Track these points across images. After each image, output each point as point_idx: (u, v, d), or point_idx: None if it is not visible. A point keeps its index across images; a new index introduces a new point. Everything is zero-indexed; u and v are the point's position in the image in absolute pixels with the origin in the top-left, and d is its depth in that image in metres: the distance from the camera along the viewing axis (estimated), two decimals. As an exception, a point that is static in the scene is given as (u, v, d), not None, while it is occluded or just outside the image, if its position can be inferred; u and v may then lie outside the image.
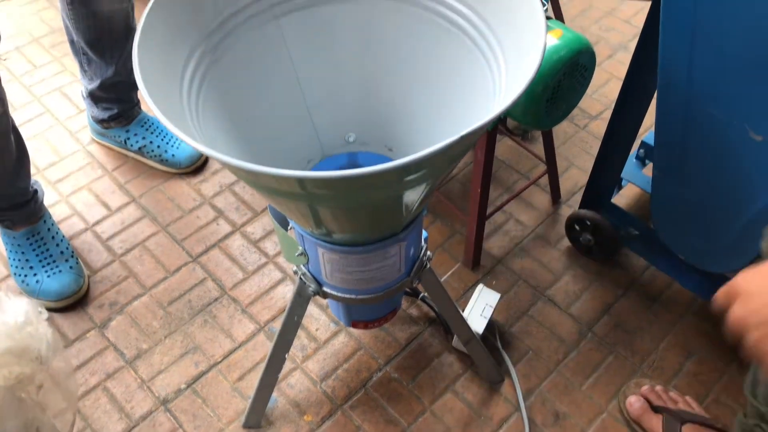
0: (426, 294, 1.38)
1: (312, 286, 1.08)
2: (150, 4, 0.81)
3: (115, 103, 1.59)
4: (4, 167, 1.32)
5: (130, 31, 1.50)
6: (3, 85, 1.24)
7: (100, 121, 1.62)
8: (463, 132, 0.68)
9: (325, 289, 1.08)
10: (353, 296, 1.07)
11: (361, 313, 1.17)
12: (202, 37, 0.88)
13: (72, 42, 1.51)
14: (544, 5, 1.13)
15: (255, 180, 0.74)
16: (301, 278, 1.09)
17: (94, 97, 1.59)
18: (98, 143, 1.69)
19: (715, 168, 1.08)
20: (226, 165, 0.67)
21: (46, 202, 1.57)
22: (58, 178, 1.63)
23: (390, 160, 1.10)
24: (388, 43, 1.00)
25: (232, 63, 0.92)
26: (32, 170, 1.63)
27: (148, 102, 0.71)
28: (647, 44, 1.11)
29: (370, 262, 1.00)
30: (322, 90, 1.04)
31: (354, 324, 1.20)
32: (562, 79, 1.14)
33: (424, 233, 1.12)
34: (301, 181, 0.69)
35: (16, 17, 2.03)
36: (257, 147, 0.99)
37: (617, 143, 1.31)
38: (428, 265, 1.11)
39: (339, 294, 1.07)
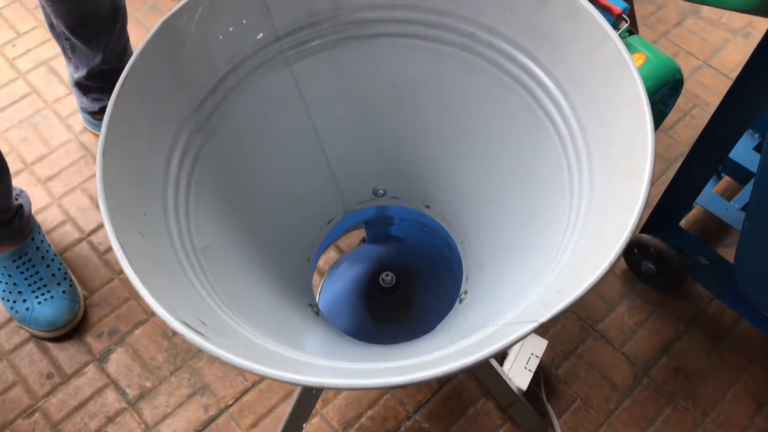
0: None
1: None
2: (118, 86, 0.61)
3: (107, 93, 1.38)
4: None
5: (117, 11, 1.27)
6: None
7: (91, 113, 1.42)
8: (543, 319, 0.49)
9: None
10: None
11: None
12: (191, 111, 0.68)
13: (51, 26, 1.29)
14: (626, 21, 0.90)
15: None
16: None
17: (81, 86, 1.38)
18: (91, 132, 1.50)
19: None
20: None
21: (36, 205, 1.40)
22: (48, 176, 1.45)
23: (427, 218, 0.91)
24: (428, 90, 0.79)
25: (229, 133, 0.73)
26: (19, 165, 1.46)
27: (114, 248, 0.53)
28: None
29: (403, 356, 0.83)
30: (346, 142, 0.84)
31: (381, 384, 1.05)
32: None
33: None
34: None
35: (-5, -30, 1.78)
36: (267, 216, 0.81)
37: (706, 160, 1.09)
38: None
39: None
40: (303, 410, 1.01)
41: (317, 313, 0.82)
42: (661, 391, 1.21)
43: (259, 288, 0.71)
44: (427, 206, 0.90)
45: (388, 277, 0.88)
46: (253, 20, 0.70)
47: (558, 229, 0.65)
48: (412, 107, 0.81)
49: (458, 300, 0.84)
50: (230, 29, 0.69)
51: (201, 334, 0.49)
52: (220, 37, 0.68)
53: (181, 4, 0.64)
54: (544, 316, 0.49)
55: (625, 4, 0.92)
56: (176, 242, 0.62)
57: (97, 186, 0.56)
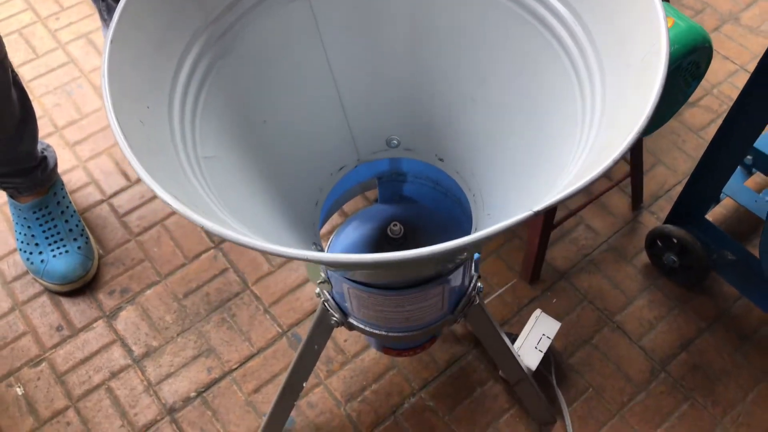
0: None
1: (336, 317, 0.90)
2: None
3: (140, 60, 1.41)
4: (4, 127, 1.15)
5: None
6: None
7: (123, 79, 1.45)
8: (538, 207, 0.47)
9: (351, 320, 0.90)
10: (384, 333, 0.89)
11: (394, 342, 1.00)
12: (205, 23, 0.68)
13: (90, -13, 1.33)
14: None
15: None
16: (324, 304, 0.91)
17: (116, 51, 1.41)
18: (122, 101, 1.53)
19: None
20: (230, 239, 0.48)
21: (62, 166, 1.43)
22: (77, 140, 1.48)
23: (440, 173, 0.90)
24: (447, 34, 0.79)
25: (244, 55, 0.73)
26: (50, 128, 1.49)
27: (115, 133, 0.52)
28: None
29: (404, 304, 0.81)
30: (361, 85, 0.83)
31: (386, 351, 1.03)
32: (669, 80, 0.90)
33: (476, 254, 0.92)
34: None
35: (46, -51, 1.85)
36: (277, 147, 0.80)
37: (728, 149, 1.06)
38: (478, 301, 0.92)
39: (367, 329, 0.89)
40: (304, 366, 0.99)
41: (321, 251, 0.81)
42: (679, 387, 1.16)
43: (263, 206, 0.71)
44: (440, 159, 0.89)
45: (396, 227, 0.87)
46: (273, -60, 0.70)
47: (567, 156, 0.63)
48: (432, 50, 0.80)
49: (465, 249, 0.81)
50: (249, -53, 0.69)
51: (175, 197, 0.49)
52: (239, -47, 0.69)
53: None
54: (540, 205, 0.47)
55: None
56: (178, 143, 0.62)
57: (102, 70, 0.56)
